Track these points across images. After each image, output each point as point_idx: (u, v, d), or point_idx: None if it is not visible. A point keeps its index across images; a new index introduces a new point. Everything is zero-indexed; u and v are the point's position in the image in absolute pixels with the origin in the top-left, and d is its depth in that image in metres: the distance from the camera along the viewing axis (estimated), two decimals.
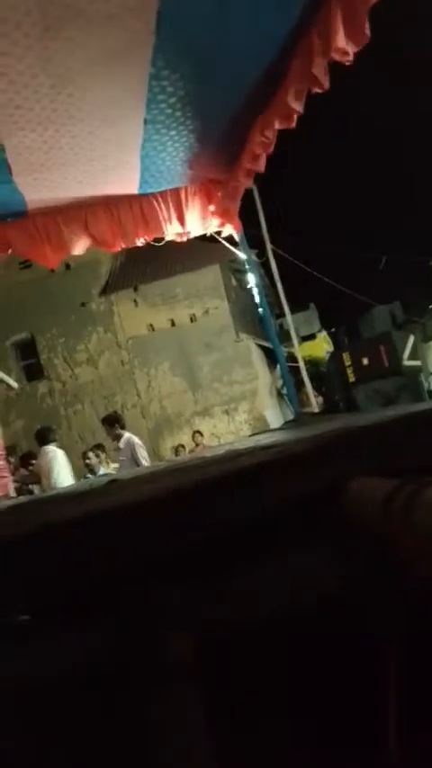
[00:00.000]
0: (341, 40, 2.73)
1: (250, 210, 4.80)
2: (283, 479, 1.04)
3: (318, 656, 0.96)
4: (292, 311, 6.90)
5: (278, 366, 9.60)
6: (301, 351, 8.94)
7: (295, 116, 3.31)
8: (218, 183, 4.51)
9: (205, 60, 3.09)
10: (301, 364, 6.15)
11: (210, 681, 0.91)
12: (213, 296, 16.45)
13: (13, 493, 6.11)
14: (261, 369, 16.86)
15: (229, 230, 4.86)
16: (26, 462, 7.68)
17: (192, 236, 4.83)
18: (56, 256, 4.46)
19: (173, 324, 16.55)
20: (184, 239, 4.84)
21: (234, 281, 17.54)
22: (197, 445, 12.72)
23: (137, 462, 6.38)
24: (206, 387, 16.25)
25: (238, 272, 16.16)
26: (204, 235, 4.97)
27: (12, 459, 7.25)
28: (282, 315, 7.06)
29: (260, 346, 16.52)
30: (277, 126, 3.47)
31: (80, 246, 4.48)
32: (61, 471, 6.89)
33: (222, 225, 4.77)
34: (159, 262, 15.27)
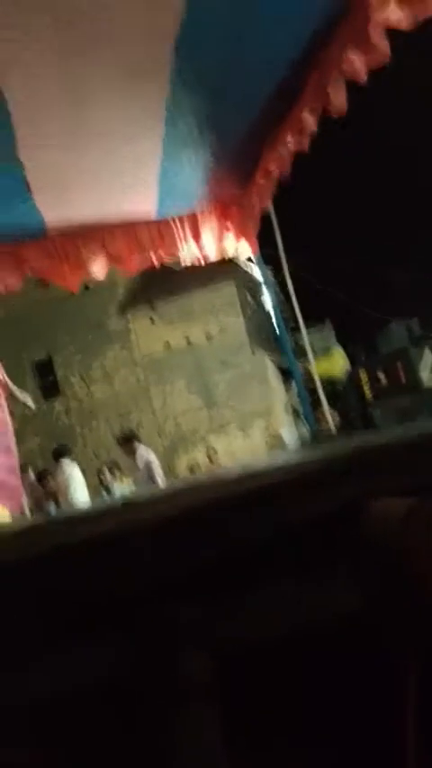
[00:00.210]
0: (357, 61, 2.75)
1: (265, 227, 4.83)
2: (300, 498, 1.03)
3: (334, 675, 0.94)
4: (308, 327, 6.90)
5: (294, 383, 9.58)
6: (317, 367, 8.91)
7: (308, 134, 3.33)
8: (236, 203, 4.54)
9: (222, 79, 3.13)
10: (318, 381, 6.12)
11: (226, 700, 0.90)
12: (229, 313, 16.52)
13: (27, 511, 6.13)
14: (277, 386, 16.85)
15: (245, 250, 4.88)
16: (42, 480, 7.72)
17: (210, 260, 4.83)
18: (75, 277, 4.46)
19: (189, 341, 16.62)
20: (203, 263, 4.85)
21: (250, 298, 17.61)
22: (212, 463, 12.70)
23: (153, 480, 6.39)
24: (222, 404, 16.26)
25: (254, 288, 16.22)
26: None
27: (29, 475, 7.29)
28: (297, 330, 7.06)
29: (276, 364, 16.52)
30: (290, 142, 3.49)
31: (98, 266, 4.47)
32: (78, 488, 6.93)
33: (239, 244, 4.79)
34: (176, 279, 15.40)
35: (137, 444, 6.85)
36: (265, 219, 4.65)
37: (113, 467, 8.55)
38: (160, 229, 4.55)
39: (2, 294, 4.37)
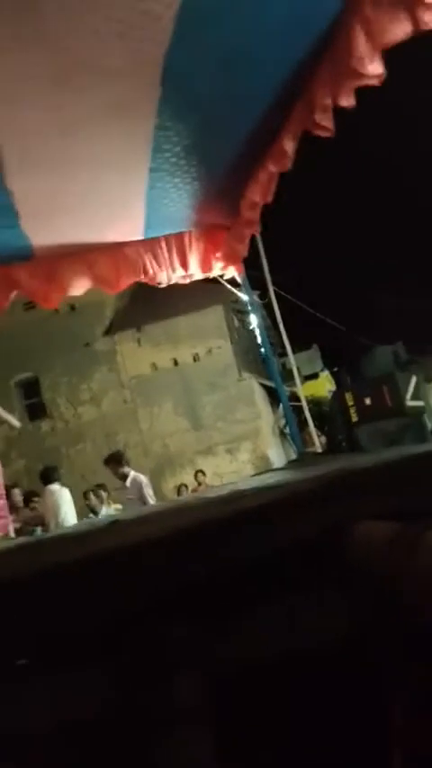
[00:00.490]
0: (343, 86, 2.77)
1: (252, 251, 4.88)
2: (286, 520, 1.04)
3: (321, 695, 0.96)
4: (295, 351, 6.95)
5: (281, 405, 9.62)
6: (304, 390, 8.95)
7: (289, 158, 3.37)
8: (223, 229, 4.59)
9: (209, 110, 3.19)
10: (304, 403, 6.16)
11: (216, 720, 0.91)
12: (216, 336, 16.59)
13: (12, 533, 6.06)
14: (264, 408, 16.87)
15: (231, 272, 4.93)
16: (29, 501, 7.63)
17: (195, 278, 4.90)
18: (56, 296, 4.50)
19: (176, 363, 16.64)
20: (187, 281, 4.92)
21: (237, 322, 17.70)
22: (199, 485, 12.65)
23: (144, 501, 6.35)
24: (209, 426, 16.25)
25: (241, 312, 16.31)
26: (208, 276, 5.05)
27: (15, 496, 7.21)
28: (284, 354, 7.10)
29: (263, 386, 16.57)
30: (272, 169, 3.54)
31: (80, 287, 4.51)
32: (69, 511, 6.88)
33: (225, 268, 4.84)
34: (163, 302, 15.46)
35: (125, 465, 6.81)
36: (252, 244, 4.71)
37: (100, 489, 8.47)
38: (147, 253, 4.59)
39: None
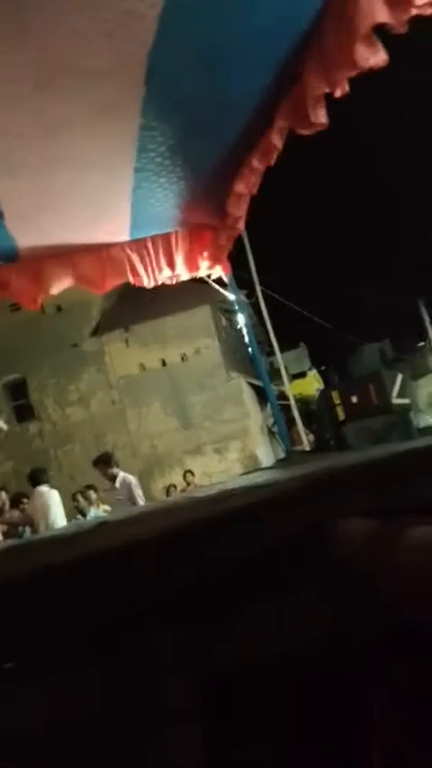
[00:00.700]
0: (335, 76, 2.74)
1: (238, 251, 4.89)
2: (275, 519, 1.05)
3: (307, 693, 0.96)
4: (282, 350, 6.97)
5: (269, 404, 9.64)
6: (292, 389, 8.99)
7: (275, 153, 3.37)
8: (209, 228, 4.60)
9: (194, 110, 3.19)
10: (292, 402, 6.19)
11: (203, 719, 0.91)
12: (204, 335, 16.58)
13: (0, 536, 6.03)
14: (252, 407, 16.90)
15: (218, 272, 4.93)
16: (17, 503, 7.60)
17: (182, 279, 4.90)
18: (39, 297, 4.50)
19: (164, 363, 16.63)
20: (174, 282, 4.92)
21: (224, 321, 17.72)
22: (188, 485, 12.65)
23: (133, 501, 6.36)
24: (197, 426, 16.25)
25: (229, 311, 16.33)
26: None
27: (3, 499, 7.18)
28: (272, 353, 7.11)
29: (251, 385, 16.59)
30: (256, 164, 3.55)
31: (63, 286, 4.50)
32: (58, 512, 6.88)
33: (212, 267, 4.84)
34: (150, 302, 15.45)
35: (114, 466, 6.82)
36: (240, 243, 4.72)
37: (89, 490, 8.46)
38: (133, 253, 4.58)
39: None
